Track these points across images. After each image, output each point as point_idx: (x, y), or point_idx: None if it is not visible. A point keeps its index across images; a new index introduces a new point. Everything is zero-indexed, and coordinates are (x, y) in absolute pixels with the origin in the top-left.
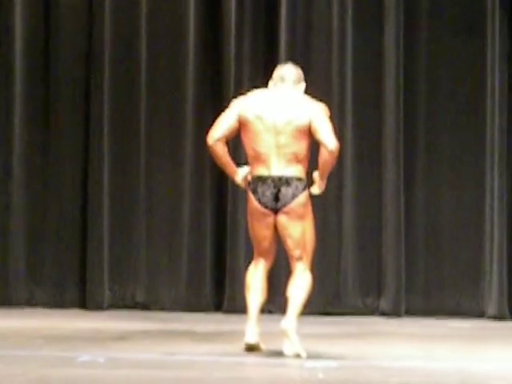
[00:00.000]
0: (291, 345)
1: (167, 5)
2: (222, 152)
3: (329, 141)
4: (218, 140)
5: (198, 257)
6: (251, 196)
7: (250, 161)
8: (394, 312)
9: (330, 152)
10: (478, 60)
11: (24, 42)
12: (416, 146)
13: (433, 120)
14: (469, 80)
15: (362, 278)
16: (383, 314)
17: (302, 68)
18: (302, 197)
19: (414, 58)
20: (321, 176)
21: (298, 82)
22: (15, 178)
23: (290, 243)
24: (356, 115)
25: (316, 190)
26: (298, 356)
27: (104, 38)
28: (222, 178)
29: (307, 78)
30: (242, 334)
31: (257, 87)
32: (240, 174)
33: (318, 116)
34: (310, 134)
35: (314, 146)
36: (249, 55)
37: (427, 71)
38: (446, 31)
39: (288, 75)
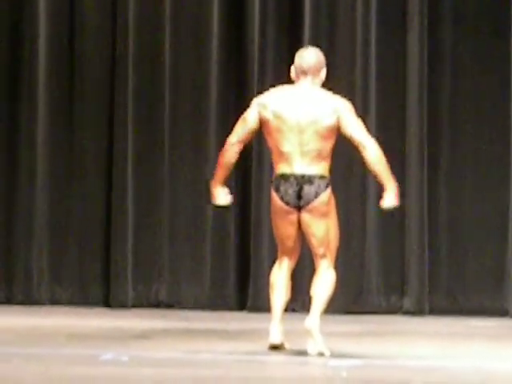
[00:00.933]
0: (315, 343)
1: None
2: (229, 158)
3: (368, 144)
4: (234, 145)
5: (221, 256)
6: (274, 194)
7: (273, 158)
8: (417, 311)
9: (375, 156)
10: (503, 62)
11: (47, 45)
12: (439, 146)
13: (456, 120)
14: (493, 82)
15: (386, 277)
16: (406, 312)
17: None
18: (325, 195)
19: (438, 60)
20: (382, 178)
21: (320, 70)
22: (39, 177)
23: (313, 241)
24: (379, 117)
25: (388, 201)
26: (321, 355)
27: (128, 39)
28: (245, 177)
29: (330, 80)
30: (265, 332)
31: (280, 79)
32: (220, 193)
33: (346, 115)
34: (335, 132)
35: (338, 141)
36: (272, 47)
37: (451, 73)
38: (470, 33)
39: (308, 66)
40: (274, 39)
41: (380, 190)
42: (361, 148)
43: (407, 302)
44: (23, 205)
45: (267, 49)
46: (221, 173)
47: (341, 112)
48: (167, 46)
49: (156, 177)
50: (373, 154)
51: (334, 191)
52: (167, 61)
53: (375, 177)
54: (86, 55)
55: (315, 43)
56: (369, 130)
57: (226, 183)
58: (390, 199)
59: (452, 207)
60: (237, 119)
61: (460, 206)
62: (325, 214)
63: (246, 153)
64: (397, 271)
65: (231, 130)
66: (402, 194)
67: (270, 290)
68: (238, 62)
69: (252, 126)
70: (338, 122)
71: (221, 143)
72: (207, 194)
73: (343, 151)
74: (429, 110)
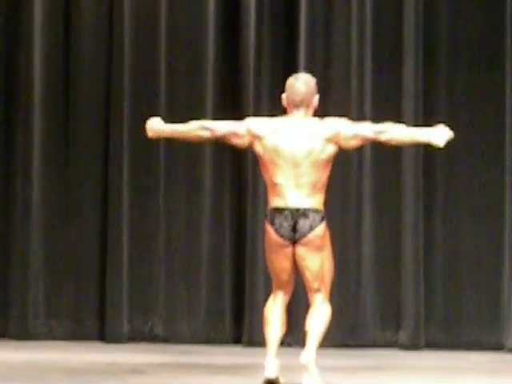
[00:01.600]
0: (311, 378)
1: (186, 15)
2: (189, 129)
3: (383, 126)
4: (205, 129)
5: (216, 290)
6: (269, 227)
7: (267, 190)
8: (412, 345)
9: (397, 127)
10: (497, 93)
11: (42, 81)
12: (435, 177)
13: (452, 151)
14: (487, 112)
15: (381, 311)
16: (402, 346)
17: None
18: (320, 228)
19: (433, 91)
20: (419, 131)
21: (312, 99)
22: (34, 211)
23: (308, 275)
24: (375, 148)
25: (441, 138)
26: None
27: (124, 53)
28: (241, 210)
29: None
30: (261, 367)
31: (275, 105)
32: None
33: (343, 125)
34: (330, 163)
35: (334, 175)
36: (268, 72)
37: (446, 103)
38: (465, 63)
39: (301, 99)
40: (270, 65)
41: (375, 223)
42: (377, 136)
43: (403, 336)
44: (18, 238)
45: (262, 74)
46: (170, 128)
47: (337, 128)
48: (162, 71)
49: (151, 212)
50: (395, 127)
51: (329, 224)
52: (162, 90)
53: (414, 140)
54: (81, 85)
55: (310, 69)
56: (363, 165)
57: (167, 137)
58: (441, 133)
59: (447, 241)
60: (231, 149)
61: (455, 239)
62: (319, 248)
63: (242, 187)
64: (392, 305)
65: (228, 159)
66: (398, 229)
67: (265, 325)
68: (232, 88)
69: (235, 131)
70: (339, 139)
71: (216, 175)
72: (202, 228)
73: (339, 184)
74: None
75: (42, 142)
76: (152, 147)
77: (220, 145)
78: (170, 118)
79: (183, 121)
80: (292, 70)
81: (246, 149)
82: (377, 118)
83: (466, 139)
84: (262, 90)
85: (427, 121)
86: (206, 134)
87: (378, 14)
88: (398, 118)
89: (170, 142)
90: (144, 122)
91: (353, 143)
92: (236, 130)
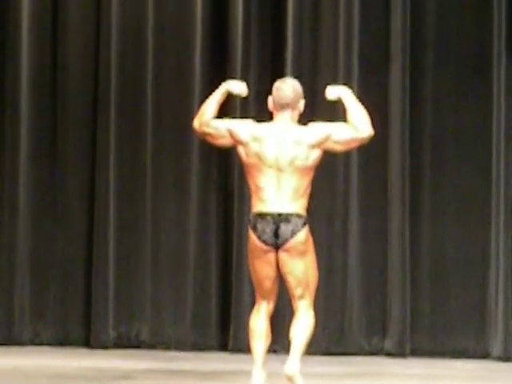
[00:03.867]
0: None
1: (173, 15)
2: (211, 121)
3: (362, 128)
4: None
5: (203, 296)
6: (251, 233)
7: (251, 194)
8: (398, 352)
9: (364, 137)
10: (484, 100)
11: (30, 77)
12: (421, 183)
13: (438, 156)
14: (475, 120)
15: (367, 318)
16: (388, 354)
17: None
18: (302, 234)
19: (420, 98)
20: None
21: (298, 102)
22: (21, 215)
23: (291, 281)
24: (362, 153)
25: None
26: None
27: (110, 76)
28: (227, 217)
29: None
30: (247, 373)
31: (263, 108)
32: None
33: (325, 128)
34: (313, 170)
35: (320, 180)
36: (256, 77)
37: (433, 111)
38: (452, 70)
39: (287, 101)
40: (257, 73)
41: (362, 229)
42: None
43: (388, 343)
44: (4, 244)
45: (249, 80)
46: (217, 103)
47: (327, 132)
48: (149, 81)
49: (138, 217)
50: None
51: (315, 231)
52: (149, 99)
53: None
54: (68, 91)
55: (297, 74)
56: (350, 171)
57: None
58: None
59: (434, 248)
60: (219, 152)
61: (442, 246)
62: (302, 254)
63: (228, 193)
64: (378, 312)
65: (214, 163)
66: (385, 235)
67: (250, 336)
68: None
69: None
70: (328, 143)
71: (203, 180)
72: (188, 235)
73: (325, 191)
74: (411, 147)
75: (29, 143)
76: (139, 150)
77: (207, 150)
78: (156, 121)
79: (170, 125)
80: (279, 76)
81: (228, 148)
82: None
83: (453, 144)
84: (249, 94)
85: (414, 125)
86: (211, 130)
87: (366, 18)
88: (384, 123)
89: (157, 145)
90: (131, 126)
91: (340, 148)
92: (218, 127)
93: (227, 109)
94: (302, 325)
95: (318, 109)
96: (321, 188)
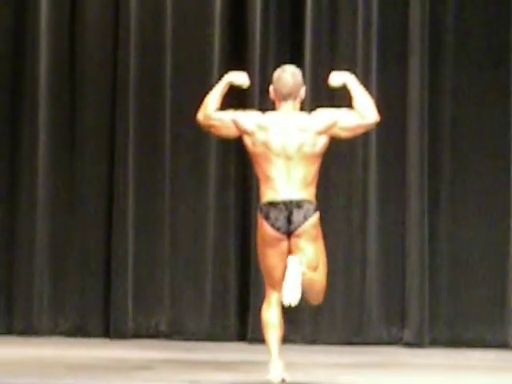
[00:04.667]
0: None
1: (192, 10)
2: (215, 113)
3: (368, 114)
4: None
5: (221, 286)
6: (263, 222)
7: (260, 184)
8: (417, 342)
9: (370, 123)
10: (503, 93)
11: (49, 69)
12: (440, 179)
13: (457, 149)
14: (493, 113)
15: (386, 309)
16: (407, 344)
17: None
18: (314, 218)
19: (439, 90)
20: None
21: (299, 91)
22: (40, 206)
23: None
24: (380, 144)
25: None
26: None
27: (129, 67)
28: (245, 208)
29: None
30: (265, 363)
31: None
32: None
33: (331, 114)
34: (321, 157)
35: (337, 172)
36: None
37: (452, 105)
38: (471, 65)
39: (288, 91)
40: (275, 63)
41: (381, 220)
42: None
43: (407, 334)
44: (23, 235)
45: (267, 77)
46: (221, 94)
47: (333, 118)
48: (168, 73)
49: (157, 209)
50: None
51: (333, 222)
52: (167, 91)
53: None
54: (87, 83)
55: (315, 74)
56: (368, 162)
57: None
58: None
59: (452, 238)
60: (238, 147)
61: (461, 237)
62: (314, 238)
63: (246, 183)
64: (397, 302)
65: (232, 157)
66: (403, 226)
67: (264, 328)
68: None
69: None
70: (335, 129)
71: (222, 174)
72: (207, 226)
73: (344, 182)
74: (430, 140)
75: (48, 135)
76: (157, 144)
77: (225, 143)
78: (174, 114)
79: (189, 116)
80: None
81: (233, 139)
82: (382, 119)
83: (472, 137)
84: (251, 86)
85: (433, 117)
86: (216, 122)
87: (384, 9)
88: (402, 117)
89: (176, 139)
90: (149, 120)
91: (346, 134)
92: (222, 118)
93: (246, 99)
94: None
95: (336, 101)
96: (339, 179)
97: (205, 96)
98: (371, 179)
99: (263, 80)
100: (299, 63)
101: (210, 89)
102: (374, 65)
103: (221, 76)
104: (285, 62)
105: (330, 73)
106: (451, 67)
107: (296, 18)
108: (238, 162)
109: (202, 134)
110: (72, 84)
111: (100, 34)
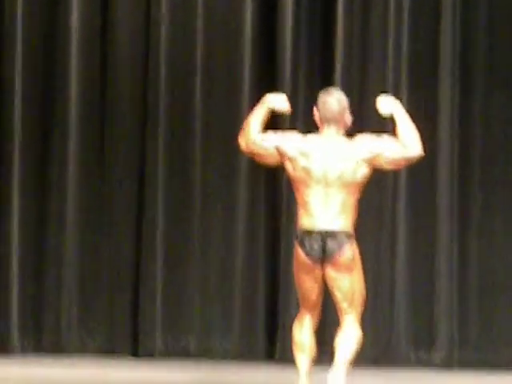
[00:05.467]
0: None
1: (224, 27)
2: (258, 140)
3: (412, 147)
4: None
5: (250, 306)
6: (299, 249)
7: (298, 209)
8: (446, 364)
9: (414, 157)
10: None
11: (79, 68)
12: (470, 198)
13: (488, 170)
14: None
15: (414, 330)
16: (435, 366)
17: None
18: (348, 248)
19: (470, 113)
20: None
21: (344, 116)
22: (69, 226)
23: (338, 296)
24: (410, 169)
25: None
26: None
27: (159, 85)
28: (275, 228)
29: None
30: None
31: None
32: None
33: (375, 145)
34: (362, 186)
35: (367, 192)
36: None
37: (482, 123)
38: (502, 86)
39: (333, 115)
40: (305, 85)
41: (410, 242)
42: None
43: (436, 356)
44: (53, 254)
45: (299, 89)
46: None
47: (377, 151)
48: (198, 95)
49: (186, 229)
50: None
51: (363, 244)
52: (198, 112)
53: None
54: (118, 103)
55: (346, 84)
56: (398, 184)
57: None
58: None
59: (482, 260)
60: (265, 172)
61: (490, 258)
62: (349, 268)
63: (276, 204)
64: (425, 324)
65: (262, 177)
66: (433, 247)
67: (294, 349)
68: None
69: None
70: (378, 160)
71: (251, 193)
72: (236, 246)
73: (374, 204)
74: (459, 161)
75: (78, 154)
76: (188, 164)
77: (255, 164)
78: (204, 134)
79: (218, 138)
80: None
81: (276, 166)
82: None
83: (501, 155)
84: (299, 104)
85: (463, 140)
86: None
87: (415, 31)
88: (433, 138)
89: (206, 159)
90: (179, 140)
91: (389, 167)
92: (266, 147)
93: (277, 120)
94: (349, 338)
95: (366, 122)
96: (369, 201)
97: (236, 116)
98: (401, 202)
99: (294, 102)
100: (329, 83)
101: (240, 109)
102: (404, 87)
103: (251, 95)
104: (315, 83)
105: (360, 95)
106: (481, 90)
107: (327, 38)
108: (269, 180)
109: (232, 154)
110: (102, 104)
111: (130, 56)
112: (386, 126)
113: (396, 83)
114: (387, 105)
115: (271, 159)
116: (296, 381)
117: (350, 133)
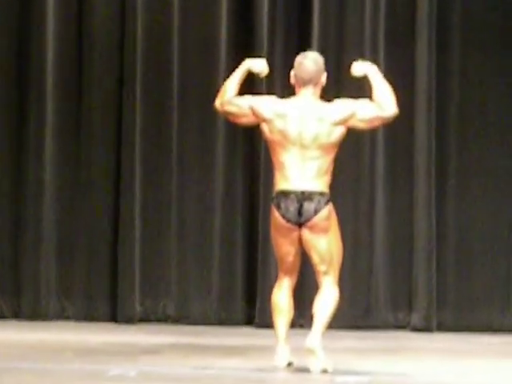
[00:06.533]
0: (318, 362)
1: (199, 15)
2: (233, 100)
3: (387, 106)
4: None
5: (229, 271)
6: (275, 211)
7: (275, 171)
8: (425, 327)
9: (388, 116)
10: (510, 74)
11: (55, 60)
12: (447, 158)
13: (465, 130)
14: (501, 93)
15: (393, 293)
16: (414, 329)
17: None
18: (325, 211)
19: (447, 72)
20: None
21: (320, 77)
22: (47, 191)
23: (315, 258)
24: (387, 128)
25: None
26: (325, 371)
27: (136, 52)
28: (253, 193)
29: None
30: (272, 348)
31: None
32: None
33: (350, 105)
34: (337, 146)
35: (346, 156)
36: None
37: (459, 86)
38: (479, 44)
39: (309, 77)
40: (282, 49)
41: (388, 204)
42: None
43: (415, 318)
44: (30, 219)
45: (276, 57)
46: (239, 81)
47: (352, 109)
48: (175, 58)
49: (164, 192)
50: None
51: (341, 207)
52: (174, 76)
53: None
54: (94, 65)
55: (323, 50)
56: (376, 147)
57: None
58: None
59: (460, 223)
60: (243, 135)
61: (467, 221)
62: (325, 230)
63: (254, 169)
64: (404, 287)
65: (239, 140)
66: (410, 211)
67: (273, 312)
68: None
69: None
70: (353, 120)
71: (229, 156)
72: (214, 209)
73: (351, 167)
74: (437, 125)
75: (54, 118)
76: (165, 127)
77: (232, 127)
78: (181, 98)
79: (195, 102)
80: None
81: (252, 127)
82: None
83: (479, 118)
84: (271, 71)
85: (440, 99)
86: (234, 109)
87: None
88: (410, 97)
89: (183, 122)
90: (156, 103)
91: (364, 125)
92: (240, 105)
93: (253, 84)
94: (326, 300)
95: (343, 85)
96: (347, 164)
97: (212, 81)
98: (379, 165)
99: (271, 66)
100: (306, 44)
101: (217, 73)
102: (381, 47)
103: (228, 61)
104: (292, 48)
105: (338, 57)
106: (458, 49)
107: (304, 2)
108: (246, 144)
109: (209, 118)
110: (78, 68)
111: (107, 19)
112: (363, 91)
113: (373, 43)
114: (361, 67)
115: (245, 119)
116: (275, 344)
117: (328, 96)
